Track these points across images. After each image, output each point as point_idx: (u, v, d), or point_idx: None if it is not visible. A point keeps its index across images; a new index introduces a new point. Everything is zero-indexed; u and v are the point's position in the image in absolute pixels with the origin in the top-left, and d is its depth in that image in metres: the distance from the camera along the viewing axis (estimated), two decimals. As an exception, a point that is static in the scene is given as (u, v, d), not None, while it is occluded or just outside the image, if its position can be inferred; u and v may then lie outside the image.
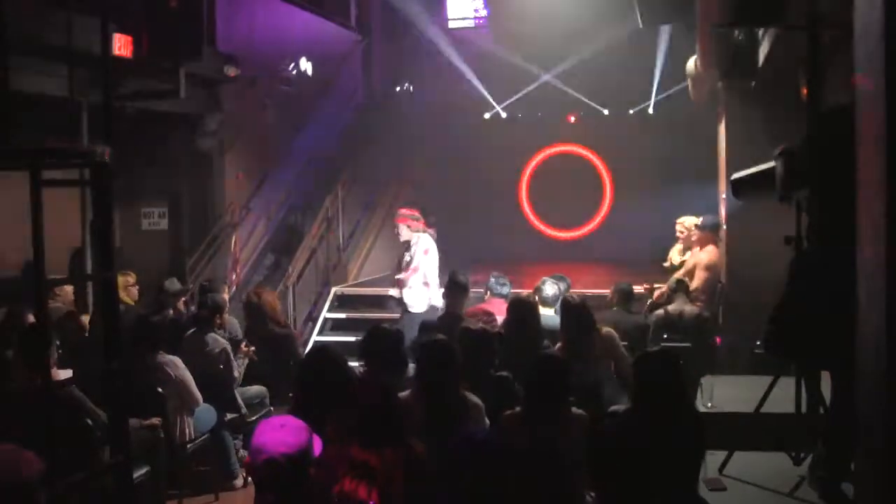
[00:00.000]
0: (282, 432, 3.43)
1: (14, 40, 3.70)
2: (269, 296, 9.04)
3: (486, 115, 17.57)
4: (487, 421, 5.06)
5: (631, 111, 16.91)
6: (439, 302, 9.33)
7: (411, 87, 17.80)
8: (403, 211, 9.86)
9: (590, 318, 6.76)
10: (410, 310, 9.49)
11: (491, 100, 17.35)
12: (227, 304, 8.72)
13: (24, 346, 5.70)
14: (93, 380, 5.75)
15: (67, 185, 4.22)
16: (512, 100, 17.29)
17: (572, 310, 6.82)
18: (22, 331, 6.17)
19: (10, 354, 6.04)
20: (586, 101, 16.83)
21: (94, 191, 3.97)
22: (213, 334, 7.90)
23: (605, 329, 6.88)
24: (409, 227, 9.65)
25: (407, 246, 9.65)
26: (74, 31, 5.87)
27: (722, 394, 6.35)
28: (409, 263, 9.54)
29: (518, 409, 4.94)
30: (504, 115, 17.46)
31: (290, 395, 8.16)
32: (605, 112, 16.99)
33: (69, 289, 8.94)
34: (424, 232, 9.74)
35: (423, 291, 9.51)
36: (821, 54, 5.18)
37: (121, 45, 9.31)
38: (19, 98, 3.64)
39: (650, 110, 16.73)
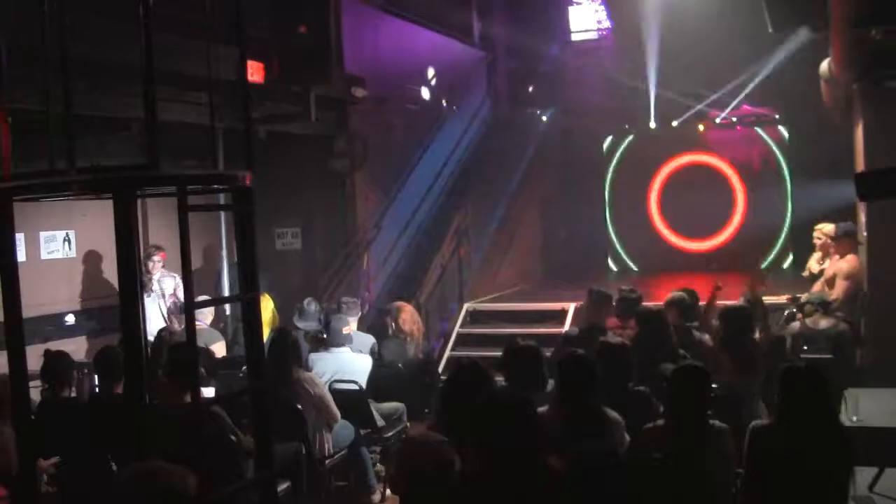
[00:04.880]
0: (425, 448, 3.48)
1: (157, 72, 3.84)
2: (407, 313, 9.13)
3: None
4: (627, 437, 5.01)
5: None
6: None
7: (536, 102, 17.74)
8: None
9: (746, 327, 6.76)
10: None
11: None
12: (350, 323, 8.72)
13: (173, 366, 5.92)
14: (235, 397, 5.94)
15: (213, 210, 4.36)
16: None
17: (734, 319, 6.82)
18: (170, 351, 6.40)
19: (160, 374, 6.27)
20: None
21: (237, 214, 4.09)
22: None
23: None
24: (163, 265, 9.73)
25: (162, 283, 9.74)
26: (210, 60, 6.06)
27: (868, 407, 6.11)
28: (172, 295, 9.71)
29: (659, 422, 4.89)
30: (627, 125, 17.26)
31: (427, 410, 8.26)
32: (734, 120, 16.61)
33: (210, 311, 9.23)
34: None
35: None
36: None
37: (253, 72, 9.58)
38: (162, 127, 3.78)
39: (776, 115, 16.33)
